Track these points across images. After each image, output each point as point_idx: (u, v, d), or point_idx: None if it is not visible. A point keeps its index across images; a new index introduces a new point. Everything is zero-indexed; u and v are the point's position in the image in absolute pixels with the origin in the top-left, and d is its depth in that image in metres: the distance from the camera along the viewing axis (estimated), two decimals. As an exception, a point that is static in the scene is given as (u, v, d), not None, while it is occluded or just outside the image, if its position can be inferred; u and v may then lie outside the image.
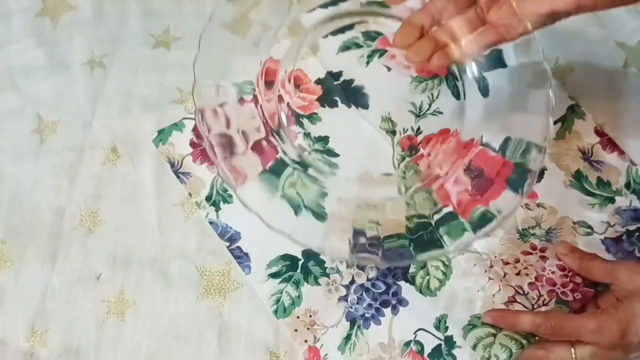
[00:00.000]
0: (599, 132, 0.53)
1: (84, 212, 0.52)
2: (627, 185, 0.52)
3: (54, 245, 0.51)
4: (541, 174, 0.52)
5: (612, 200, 0.51)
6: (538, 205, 0.51)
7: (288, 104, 0.54)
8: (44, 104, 0.56)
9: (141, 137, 0.54)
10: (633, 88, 0.55)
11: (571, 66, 0.56)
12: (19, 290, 0.49)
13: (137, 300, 0.49)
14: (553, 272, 0.48)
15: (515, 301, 0.48)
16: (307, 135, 0.53)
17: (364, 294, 0.49)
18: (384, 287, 0.49)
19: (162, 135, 0.54)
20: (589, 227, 0.50)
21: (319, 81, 0.55)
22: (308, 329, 0.48)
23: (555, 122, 0.53)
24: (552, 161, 0.52)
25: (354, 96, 0.54)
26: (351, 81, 0.55)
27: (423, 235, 0.45)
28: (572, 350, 0.43)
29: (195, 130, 0.54)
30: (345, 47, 0.57)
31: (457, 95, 0.54)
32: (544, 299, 0.48)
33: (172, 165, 0.53)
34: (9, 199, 0.52)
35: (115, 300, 0.49)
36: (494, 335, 0.47)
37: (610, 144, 0.53)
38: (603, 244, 0.50)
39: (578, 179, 0.52)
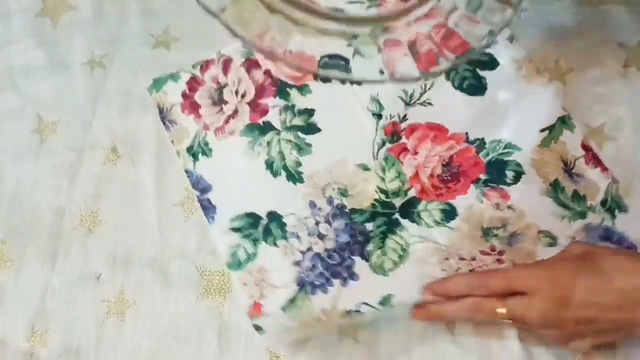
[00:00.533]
0: (586, 147, 0.52)
1: (84, 212, 0.52)
2: (603, 203, 0.50)
3: (54, 245, 0.51)
4: (518, 177, 0.52)
5: (583, 215, 0.50)
6: (509, 207, 0.51)
7: (268, 71, 0.56)
8: (44, 104, 0.56)
9: (141, 137, 0.54)
10: (633, 88, 0.55)
11: (571, 66, 0.56)
12: (19, 290, 0.49)
13: (137, 300, 0.49)
14: None
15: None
16: (288, 108, 0.54)
17: (318, 262, 0.49)
18: (338, 260, 0.49)
19: (157, 83, 0.56)
20: (553, 238, 0.49)
21: None
22: (257, 285, 0.49)
23: (542, 130, 0.53)
24: (533, 167, 0.52)
25: None
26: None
27: None
28: (502, 304, 0.44)
29: (189, 83, 0.56)
30: None
31: (461, 88, 0.55)
32: None
33: (161, 111, 0.55)
34: (9, 199, 0.52)
35: (115, 300, 0.49)
36: None
37: (595, 160, 0.52)
38: None
39: (554, 188, 0.51)
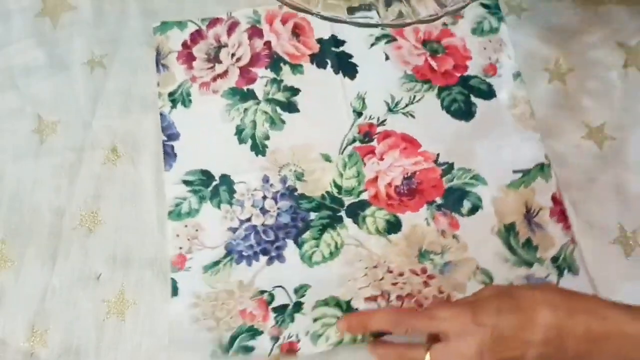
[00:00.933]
0: (556, 200, 0.51)
1: (84, 212, 0.52)
2: (554, 259, 0.49)
3: (54, 245, 0.51)
4: (474, 210, 0.51)
5: (529, 264, 0.49)
6: (453, 236, 0.50)
7: (269, 43, 0.57)
8: (44, 104, 0.56)
9: (141, 137, 0.54)
10: (633, 88, 0.55)
11: (571, 66, 0.56)
12: (19, 290, 0.49)
13: (137, 300, 0.49)
14: (426, 299, 0.48)
15: (375, 301, 0.48)
16: (275, 81, 0.55)
17: (252, 234, 0.50)
18: (272, 238, 0.50)
19: (164, 26, 0.58)
20: (490, 278, 0.49)
21: (320, 40, 0.57)
22: (188, 239, 0.50)
23: (516, 172, 0.52)
24: (493, 204, 0.51)
25: (345, 66, 0.56)
26: (349, 55, 0.56)
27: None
28: (427, 352, 0.41)
29: (193, 34, 0.57)
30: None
31: (448, 109, 0.54)
32: None
33: (158, 53, 0.57)
34: (9, 199, 0.52)
35: (115, 300, 0.49)
36: (337, 318, 0.47)
37: (560, 216, 0.51)
38: None
39: (508, 230, 0.50)
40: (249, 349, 0.46)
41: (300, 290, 0.48)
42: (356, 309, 0.47)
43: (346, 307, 0.48)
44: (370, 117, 0.54)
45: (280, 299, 0.48)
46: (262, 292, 0.48)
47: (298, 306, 0.48)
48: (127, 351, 0.47)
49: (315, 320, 0.47)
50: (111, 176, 0.53)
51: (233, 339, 0.47)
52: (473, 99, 0.55)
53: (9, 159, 0.54)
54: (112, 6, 0.59)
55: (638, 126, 0.54)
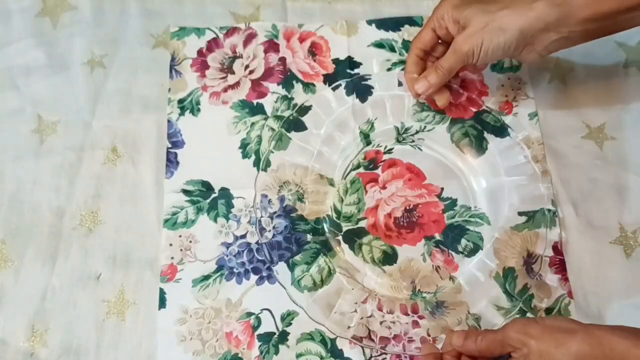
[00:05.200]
0: (557, 250, 0.49)
1: (84, 212, 0.52)
2: (548, 311, 0.48)
3: (54, 245, 0.51)
4: (475, 250, 0.50)
5: (523, 313, 0.47)
6: (450, 277, 0.49)
7: (284, 59, 0.56)
8: (44, 104, 0.56)
9: (141, 137, 0.54)
10: (633, 88, 0.55)
11: (571, 66, 0.56)
12: (19, 290, 0.49)
13: (137, 300, 0.49)
14: (412, 341, 0.47)
15: (360, 342, 0.46)
16: (286, 99, 0.55)
17: (245, 251, 0.50)
18: (265, 257, 0.50)
19: (182, 32, 0.58)
20: (479, 326, 0.47)
21: (336, 60, 0.57)
22: (181, 250, 0.50)
23: (521, 214, 0.50)
24: (494, 245, 0.49)
25: (359, 88, 0.54)
26: (363, 77, 0.55)
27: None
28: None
29: (209, 42, 0.57)
30: (380, 44, 0.57)
31: (457, 143, 0.53)
32: (384, 359, 0.47)
33: (173, 59, 0.56)
34: (9, 199, 0.52)
35: (115, 300, 0.49)
36: (321, 358, 0.47)
37: (560, 267, 0.49)
38: None
39: (506, 275, 0.48)
40: None
41: (288, 317, 0.48)
42: (340, 350, 0.47)
43: (330, 345, 0.47)
44: (378, 144, 0.53)
45: (266, 325, 0.47)
46: (249, 314, 0.48)
47: (283, 336, 0.47)
48: (127, 351, 0.47)
49: (298, 356, 0.46)
50: (111, 176, 0.53)
51: None
52: (486, 135, 0.53)
53: (9, 159, 0.54)
54: (112, 6, 0.59)
55: (638, 126, 0.54)
